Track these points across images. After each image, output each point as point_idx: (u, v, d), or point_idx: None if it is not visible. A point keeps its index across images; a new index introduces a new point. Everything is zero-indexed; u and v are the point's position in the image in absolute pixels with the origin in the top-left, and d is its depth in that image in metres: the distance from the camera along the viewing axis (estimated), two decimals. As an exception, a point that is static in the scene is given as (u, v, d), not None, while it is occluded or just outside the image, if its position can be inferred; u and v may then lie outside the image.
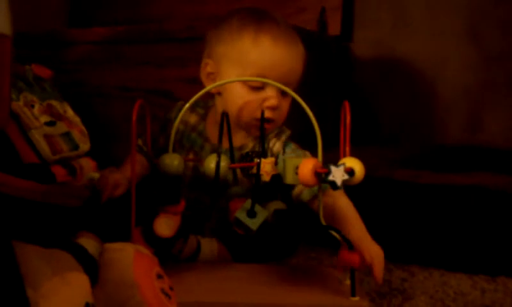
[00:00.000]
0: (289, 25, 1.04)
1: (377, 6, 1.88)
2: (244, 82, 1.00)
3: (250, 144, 1.06)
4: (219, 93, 1.05)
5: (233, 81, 1.00)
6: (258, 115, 0.93)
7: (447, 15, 1.79)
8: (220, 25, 1.05)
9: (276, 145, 1.05)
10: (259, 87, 1.00)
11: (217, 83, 1.00)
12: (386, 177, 1.22)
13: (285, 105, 1.03)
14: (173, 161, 0.90)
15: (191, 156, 1.08)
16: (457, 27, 1.78)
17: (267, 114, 0.98)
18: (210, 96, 1.08)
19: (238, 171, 1.01)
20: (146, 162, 1.10)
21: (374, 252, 0.84)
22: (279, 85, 0.90)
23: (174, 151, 0.91)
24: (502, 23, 1.72)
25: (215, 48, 1.04)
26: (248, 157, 1.05)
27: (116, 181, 1.00)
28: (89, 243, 0.99)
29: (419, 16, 1.83)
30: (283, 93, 1.00)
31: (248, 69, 0.99)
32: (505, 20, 1.71)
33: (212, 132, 1.08)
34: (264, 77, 0.96)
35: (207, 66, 1.06)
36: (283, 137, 1.06)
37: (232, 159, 0.95)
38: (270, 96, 0.99)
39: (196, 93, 0.88)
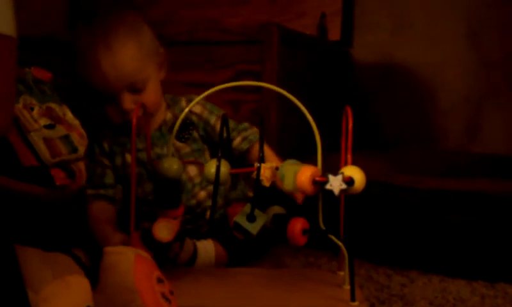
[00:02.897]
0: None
1: (377, 12, 1.88)
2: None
3: (168, 116, 1.12)
4: None
5: (228, 86, 1.00)
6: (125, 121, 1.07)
7: (446, 20, 1.80)
8: None
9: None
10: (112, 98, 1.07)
11: (215, 88, 0.96)
12: (385, 182, 1.22)
13: (145, 95, 1.07)
14: (172, 165, 0.90)
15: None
16: (457, 32, 1.78)
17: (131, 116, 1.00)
18: None
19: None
20: (112, 207, 1.10)
21: None
22: (276, 88, 0.89)
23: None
24: (502, 29, 1.72)
25: None
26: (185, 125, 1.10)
27: None
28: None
29: (419, 21, 1.83)
30: (135, 91, 1.06)
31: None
32: (504, 25, 1.72)
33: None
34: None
35: None
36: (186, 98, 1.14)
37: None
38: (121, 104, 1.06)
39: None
